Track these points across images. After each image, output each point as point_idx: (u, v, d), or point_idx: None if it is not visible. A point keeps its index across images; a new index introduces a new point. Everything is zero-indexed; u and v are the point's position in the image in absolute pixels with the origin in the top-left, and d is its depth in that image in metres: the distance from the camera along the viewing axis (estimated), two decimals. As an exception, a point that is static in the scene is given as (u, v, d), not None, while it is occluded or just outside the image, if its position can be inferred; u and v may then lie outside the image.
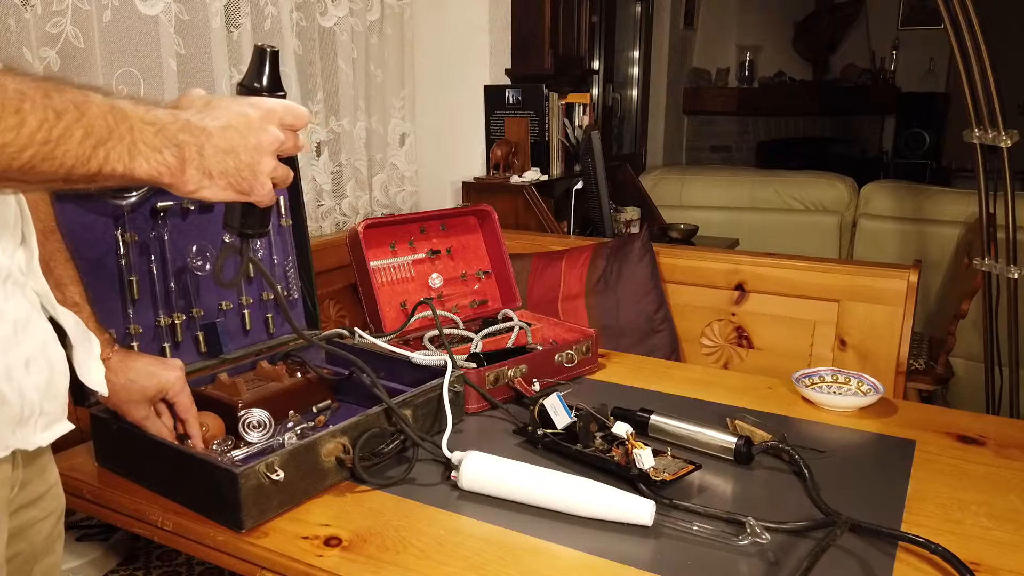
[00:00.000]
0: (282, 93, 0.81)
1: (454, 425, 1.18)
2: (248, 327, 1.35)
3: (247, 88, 0.80)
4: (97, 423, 1.09)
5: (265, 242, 1.39)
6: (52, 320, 0.79)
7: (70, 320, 0.82)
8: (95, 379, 0.86)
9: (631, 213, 2.87)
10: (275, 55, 0.81)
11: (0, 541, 0.72)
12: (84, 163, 0.61)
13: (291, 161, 0.81)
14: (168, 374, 1.04)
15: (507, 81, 2.63)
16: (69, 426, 0.77)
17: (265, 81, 0.80)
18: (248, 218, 0.84)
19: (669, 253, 2.05)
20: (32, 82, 0.58)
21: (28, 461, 0.77)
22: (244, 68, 1.90)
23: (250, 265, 0.89)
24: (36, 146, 0.57)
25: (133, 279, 1.20)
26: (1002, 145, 2.02)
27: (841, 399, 1.32)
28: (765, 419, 1.23)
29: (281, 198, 1.40)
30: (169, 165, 0.67)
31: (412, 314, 1.55)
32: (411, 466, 1.08)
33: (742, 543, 0.91)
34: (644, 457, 1.02)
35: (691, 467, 1.06)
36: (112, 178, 0.64)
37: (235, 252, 0.90)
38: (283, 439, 1.10)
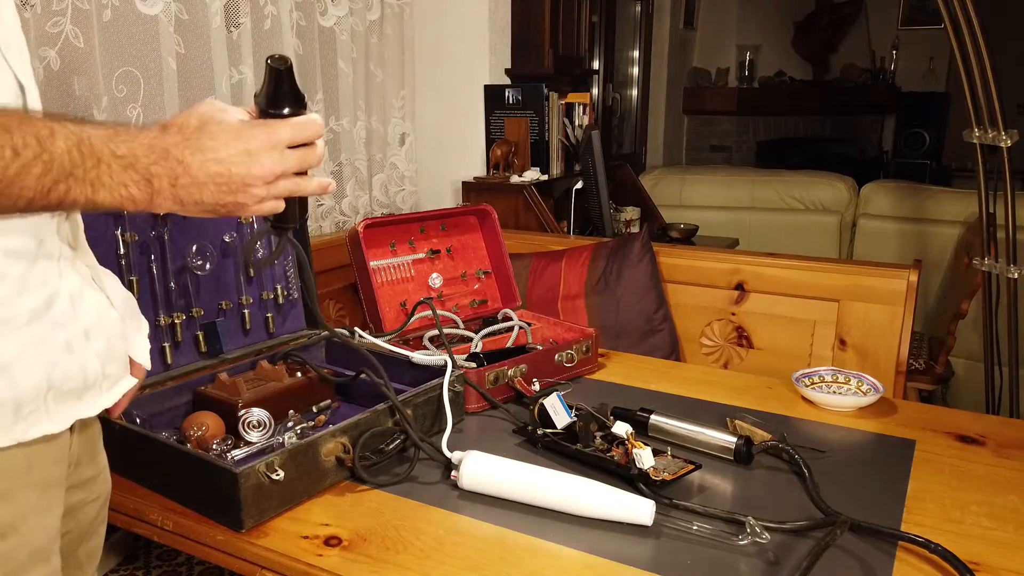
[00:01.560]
0: (302, 109, 0.77)
1: (454, 425, 1.18)
2: (248, 327, 1.36)
3: (263, 111, 0.76)
4: (97, 423, 1.09)
5: (265, 242, 1.39)
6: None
7: (119, 294, 0.85)
8: (140, 354, 0.88)
9: (631, 213, 2.87)
10: (289, 72, 0.76)
11: (55, 516, 0.75)
12: (44, 196, 0.62)
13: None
14: None
15: (507, 81, 2.63)
16: (132, 381, 0.83)
17: (281, 103, 0.76)
18: (279, 217, 0.81)
19: (669, 253, 2.05)
20: None
21: (84, 442, 0.81)
22: (244, 68, 1.91)
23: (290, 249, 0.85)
24: None
25: (133, 279, 1.20)
26: (1002, 145, 2.02)
27: (841, 399, 1.32)
28: (765, 419, 1.23)
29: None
30: (134, 197, 0.67)
31: (412, 314, 1.55)
32: (412, 466, 1.08)
33: (742, 543, 0.91)
34: (644, 457, 1.02)
35: (691, 467, 1.06)
36: (76, 207, 0.65)
37: (268, 240, 0.88)
38: (283, 439, 1.10)
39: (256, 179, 0.72)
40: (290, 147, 0.74)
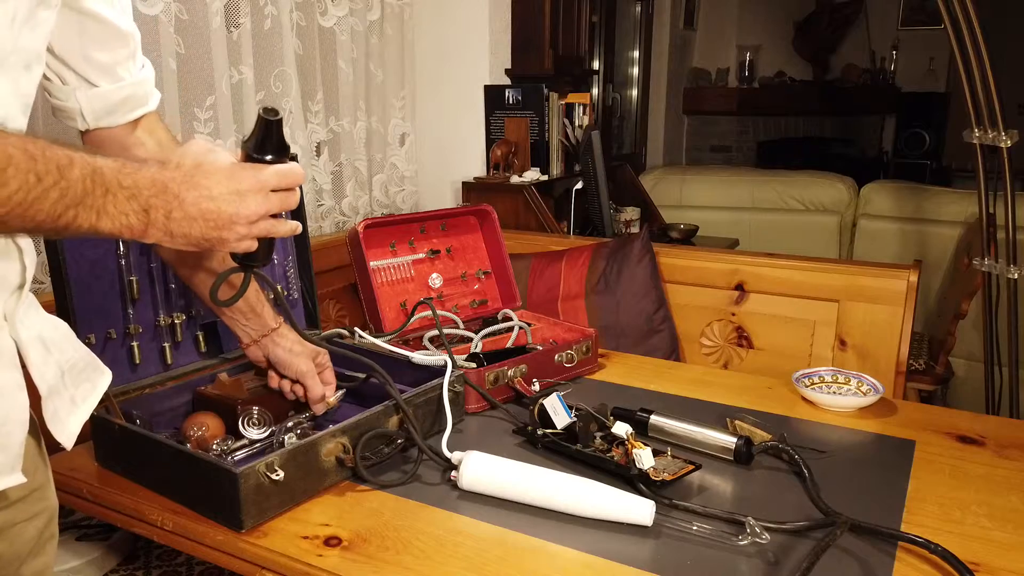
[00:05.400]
0: (286, 157, 0.84)
1: (454, 425, 1.18)
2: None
3: (251, 157, 0.82)
4: (97, 423, 1.09)
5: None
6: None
7: (48, 372, 0.77)
8: (68, 432, 0.80)
9: (631, 213, 2.87)
10: (279, 124, 0.83)
11: None
12: (53, 220, 0.66)
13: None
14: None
15: (507, 81, 2.63)
16: (19, 479, 0.74)
17: (267, 150, 0.82)
18: (249, 256, 0.87)
19: (669, 253, 2.05)
20: (20, 144, 0.63)
21: None
22: (244, 68, 1.91)
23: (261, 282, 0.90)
24: (12, 205, 0.62)
25: (133, 279, 1.20)
26: (1002, 145, 2.02)
27: (841, 399, 1.32)
28: (765, 419, 1.23)
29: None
30: (132, 226, 0.72)
31: (412, 314, 1.55)
32: (416, 468, 1.08)
33: (742, 543, 0.91)
34: (644, 457, 1.02)
35: (691, 467, 1.06)
36: (78, 233, 0.69)
37: (237, 274, 0.92)
38: (283, 439, 1.10)
39: (242, 218, 0.78)
40: (273, 191, 0.81)
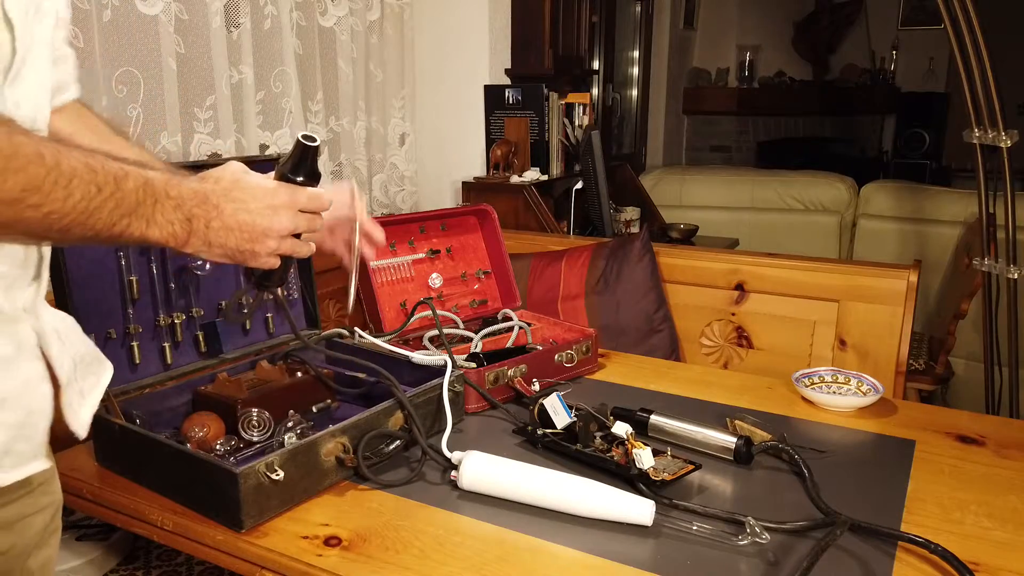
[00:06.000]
0: (317, 183, 0.90)
1: (454, 425, 1.18)
2: (248, 327, 1.35)
3: (285, 177, 0.88)
4: (97, 423, 1.09)
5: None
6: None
7: (65, 363, 0.80)
8: (81, 421, 0.83)
9: (631, 213, 2.87)
10: (315, 150, 0.89)
11: None
12: (109, 228, 0.70)
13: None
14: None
15: (507, 81, 2.63)
16: (44, 464, 0.78)
17: (300, 173, 0.88)
18: (266, 277, 0.93)
19: (669, 253, 2.05)
20: (83, 159, 0.67)
21: None
22: (244, 68, 1.91)
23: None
24: (75, 214, 0.67)
25: (133, 279, 1.20)
26: (1002, 145, 2.02)
27: (841, 399, 1.32)
28: (765, 419, 1.23)
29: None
30: (176, 235, 0.77)
31: (412, 314, 1.55)
32: (420, 468, 1.08)
33: (742, 543, 0.91)
34: (644, 457, 1.02)
35: (691, 467, 1.06)
36: (129, 241, 0.74)
37: (251, 294, 0.97)
38: (283, 439, 1.10)
39: (274, 232, 0.84)
40: (301, 211, 0.87)
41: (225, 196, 0.81)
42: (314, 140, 0.89)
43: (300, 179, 0.88)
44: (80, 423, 0.82)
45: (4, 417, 0.72)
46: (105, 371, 0.89)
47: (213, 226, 0.80)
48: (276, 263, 0.88)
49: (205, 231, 0.79)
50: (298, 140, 0.89)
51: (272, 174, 0.89)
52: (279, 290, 0.98)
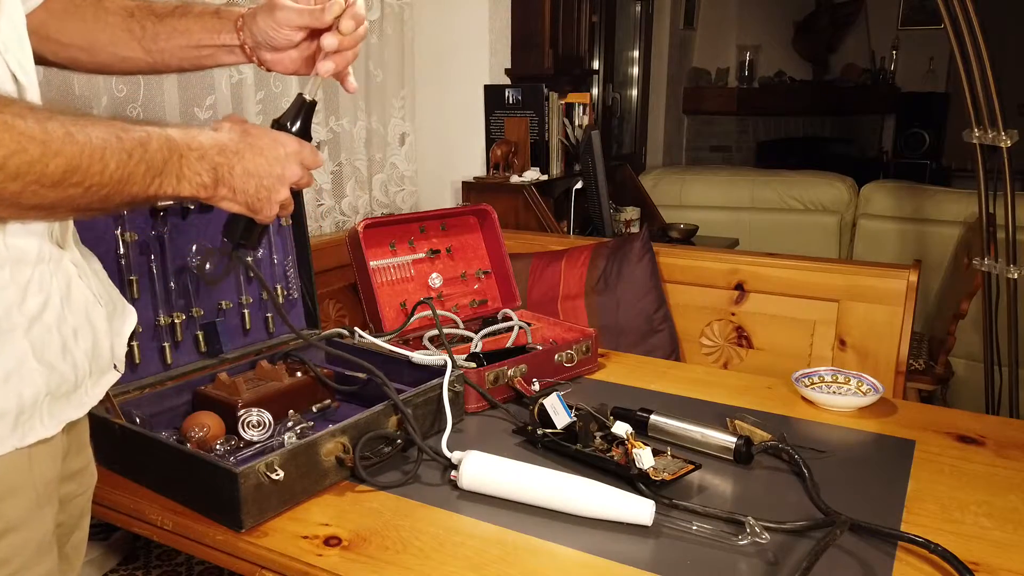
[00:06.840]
0: (310, 140, 0.91)
1: (454, 425, 1.18)
2: (248, 327, 1.35)
3: (281, 126, 0.89)
4: (97, 423, 1.09)
5: (265, 242, 1.39)
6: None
7: (104, 285, 0.85)
8: (117, 353, 0.87)
9: (631, 213, 2.87)
10: (312, 106, 0.91)
11: (53, 510, 0.76)
12: (144, 190, 0.72)
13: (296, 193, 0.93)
14: None
15: (507, 81, 2.63)
16: (115, 376, 0.83)
17: (299, 126, 0.90)
18: (248, 234, 0.95)
19: (669, 253, 2.05)
20: (108, 128, 0.69)
21: (73, 434, 0.81)
22: (244, 68, 1.91)
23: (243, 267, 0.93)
24: (113, 184, 0.68)
25: (133, 279, 1.20)
26: (1002, 145, 2.02)
27: (841, 399, 1.32)
28: (765, 419, 1.23)
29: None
30: (205, 185, 0.78)
31: (412, 314, 1.55)
32: (416, 468, 1.08)
33: (742, 543, 0.91)
34: (644, 457, 1.02)
35: (691, 467, 1.06)
36: (164, 198, 0.75)
37: (222, 257, 0.98)
38: (283, 439, 1.10)
39: (286, 179, 0.86)
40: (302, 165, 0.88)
41: (243, 142, 0.82)
42: (313, 98, 0.92)
43: (295, 129, 0.90)
44: (118, 356, 0.86)
45: (82, 346, 0.76)
46: (129, 314, 0.91)
47: (236, 172, 0.81)
48: (285, 212, 0.89)
49: (230, 178, 0.80)
50: (299, 95, 0.91)
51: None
52: (263, 279, 1.01)
